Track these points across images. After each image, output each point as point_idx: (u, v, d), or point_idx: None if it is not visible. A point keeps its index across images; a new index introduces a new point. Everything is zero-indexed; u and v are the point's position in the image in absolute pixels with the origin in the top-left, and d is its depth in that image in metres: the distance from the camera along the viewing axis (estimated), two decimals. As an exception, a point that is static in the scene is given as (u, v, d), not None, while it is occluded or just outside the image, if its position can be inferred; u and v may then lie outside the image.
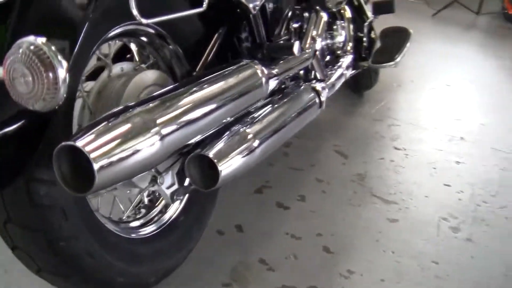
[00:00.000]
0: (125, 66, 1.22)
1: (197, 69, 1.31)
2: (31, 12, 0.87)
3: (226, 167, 1.10)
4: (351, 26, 2.11)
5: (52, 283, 1.11)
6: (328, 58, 1.95)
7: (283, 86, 1.55)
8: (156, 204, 1.35)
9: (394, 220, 1.76)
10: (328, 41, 1.97)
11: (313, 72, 1.73)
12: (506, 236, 1.73)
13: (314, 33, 1.68)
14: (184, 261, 1.38)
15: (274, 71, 1.35)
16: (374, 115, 2.59)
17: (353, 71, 2.10)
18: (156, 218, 1.32)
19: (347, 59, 2.01)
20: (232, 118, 1.20)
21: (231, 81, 1.16)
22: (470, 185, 2.02)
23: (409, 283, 1.47)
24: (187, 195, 1.34)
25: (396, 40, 2.25)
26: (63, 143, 0.82)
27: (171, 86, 1.10)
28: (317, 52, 1.68)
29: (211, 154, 1.09)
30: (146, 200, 1.36)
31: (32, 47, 0.73)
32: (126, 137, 0.88)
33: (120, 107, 0.95)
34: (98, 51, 1.12)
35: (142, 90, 1.17)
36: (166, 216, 1.34)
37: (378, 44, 2.27)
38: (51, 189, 0.97)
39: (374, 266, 1.53)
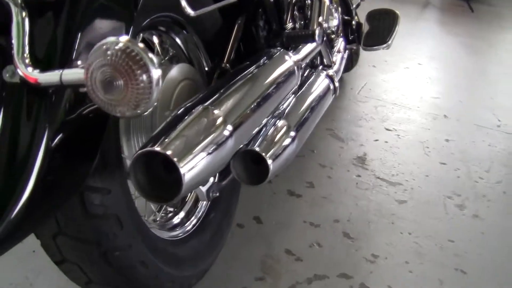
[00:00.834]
0: None
1: (224, 61, 1.26)
2: (81, 9, 0.80)
3: (274, 160, 1.07)
4: (339, 10, 2.11)
5: (103, 294, 1.06)
6: (325, 43, 1.94)
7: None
8: (187, 203, 1.30)
9: (402, 201, 1.78)
10: (325, 25, 1.95)
11: (318, 59, 1.71)
12: (509, 211, 1.79)
13: (320, 18, 1.66)
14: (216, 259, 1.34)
15: (300, 59, 1.33)
16: (359, 97, 2.61)
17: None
18: (189, 217, 1.28)
19: (341, 43, 2.00)
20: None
21: (275, 71, 1.13)
22: (464, 162, 2.08)
23: (432, 263, 1.49)
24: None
25: (384, 22, 2.26)
26: (144, 150, 0.77)
27: (222, 81, 1.05)
28: (325, 38, 1.66)
29: (258, 148, 1.06)
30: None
31: (123, 48, 0.66)
32: (202, 137, 0.83)
33: (184, 107, 0.89)
34: None
35: (177, 84, 1.12)
36: (198, 215, 1.30)
37: (365, 27, 2.27)
38: (105, 198, 0.92)
39: (395, 249, 1.54)
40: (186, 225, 1.26)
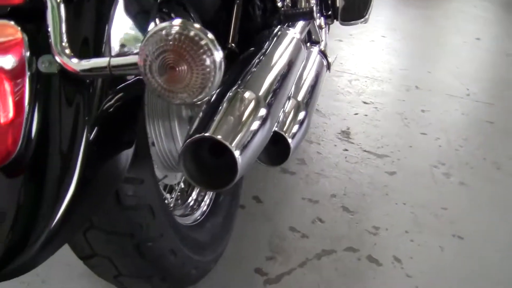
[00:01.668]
0: None
1: (230, 41, 1.23)
2: None
3: (293, 139, 1.07)
4: (315, -16, 2.10)
5: (130, 286, 1.03)
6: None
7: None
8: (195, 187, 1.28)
9: (392, 172, 1.82)
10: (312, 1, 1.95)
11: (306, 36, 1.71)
12: (492, 176, 1.86)
13: (308, -6, 1.65)
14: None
15: (302, 36, 1.32)
16: (332, 72, 2.62)
17: (325, 30, 2.10)
18: (199, 201, 1.26)
19: (322, 19, 2.00)
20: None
21: (288, 50, 1.11)
22: (442, 132, 2.14)
23: (430, 231, 1.54)
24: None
25: (357, -4, 2.27)
26: (196, 137, 0.74)
27: (244, 62, 1.03)
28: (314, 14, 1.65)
29: (276, 128, 1.05)
30: (182, 184, 1.28)
31: (185, 33, 0.63)
32: (246, 119, 0.81)
33: (219, 91, 0.87)
34: None
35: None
36: (207, 198, 1.28)
37: (340, 2, 2.27)
38: (138, 188, 0.89)
39: (393, 219, 1.58)
40: (200, 209, 1.24)
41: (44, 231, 0.71)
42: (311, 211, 1.59)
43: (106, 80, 0.77)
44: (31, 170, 0.73)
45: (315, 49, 1.56)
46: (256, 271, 1.33)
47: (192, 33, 0.64)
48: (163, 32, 0.64)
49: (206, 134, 0.75)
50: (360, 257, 1.42)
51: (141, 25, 0.85)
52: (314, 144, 1.95)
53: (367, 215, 1.60)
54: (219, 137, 0.75)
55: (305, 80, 1.31)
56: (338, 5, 2.20)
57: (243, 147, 0.77)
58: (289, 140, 1.05)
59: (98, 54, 0.75)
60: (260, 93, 0.89)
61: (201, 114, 0.82)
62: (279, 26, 1.25)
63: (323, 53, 1.57)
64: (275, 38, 1.16)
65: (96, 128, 0.75)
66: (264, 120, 0.85)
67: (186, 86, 0.65)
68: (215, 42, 0.65)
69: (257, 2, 1.37)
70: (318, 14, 2.05)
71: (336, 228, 1.53)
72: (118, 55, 0.71)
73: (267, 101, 0.90)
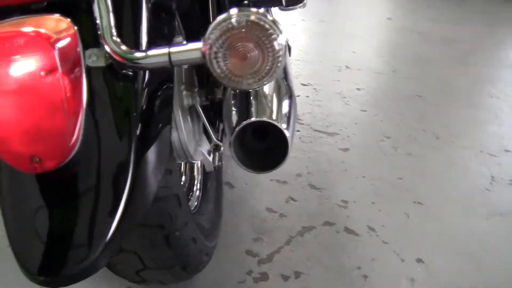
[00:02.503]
0: None
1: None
2: None
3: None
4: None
5: (150, 278, 1.02)
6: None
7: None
8: (186, 174, 1.28)
9: (346, 149, 1.92)
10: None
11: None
12: (434, 145, 2.02)
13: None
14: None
15: None
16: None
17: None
18: (192, 187, 1.27)
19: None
20: None
21: None
22: (380, 108, 2.28)
23: (392, 200, 1.66)
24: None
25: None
26: (247, 122, 0.76)
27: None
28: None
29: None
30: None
31: (253, 19, 0.65)
32: (281, 102, 0.84)
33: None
34: None
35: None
36: (199, 186, 1.29)
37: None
38: (168, 179, 0.89)
39: (358, 192, 1.68)
40: (194, 195, 1.25)
41: (104, 235, 0.70)
42: (282, 191, 1.64)
43: (143, 74, 0.76)
44: (87, 170, 0.71)
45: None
46: (248, 253, 1.36)
47: (261, 20, 0.65)
48: (232, 20, 0.65)
49: (258, 119, 0.77)
50: (338, 230, 1.49)
51: (160, 17, 0.85)
52: (267, 127, 2.00)
53: (333, 190, 1.68)
54: (270, 120, 0.77)
55: None
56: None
57: (288, 128, 0.80)
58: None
59: (138, 46, 0.74)
60: (282, 77, 0.92)
61: (241, 101, 0.83)
62: None
63: (284, 37, 1.61)
64: None
65: (140, 124, 0.75)
66: (291, 100, 0.88)
67: (257, 71, 0.67)
68: (280, 26, 0.67)
69: None
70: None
71: (309, 205, 1.59)
72: (177, 44, 0.70)
73: (288, 82, 0.93)
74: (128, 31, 0.73)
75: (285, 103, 0.86)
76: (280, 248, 1.40)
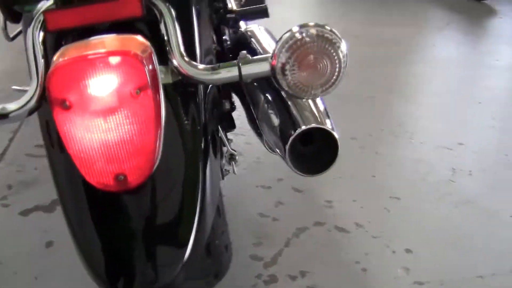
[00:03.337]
0: None
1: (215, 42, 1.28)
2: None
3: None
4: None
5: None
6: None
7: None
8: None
9: (317, 151, 2.00)
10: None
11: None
12: (395, 143, 2.15)
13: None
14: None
15: None
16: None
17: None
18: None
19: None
20: None
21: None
22: (338, 111, 2.37)
23: (371, 196, 1.76)
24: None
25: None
26: (302, 129, 0.81)
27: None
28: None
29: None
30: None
31: (320, 33, 0.70)
32: (318, 107, 0.89)
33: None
34: None
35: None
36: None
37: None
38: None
39: (338, 191, 1.77)
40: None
41: (182, 254, 0.73)
42: (269, 196, 1.69)
43: (203, 89, 0.80)
44: (162, 186, 0.73)
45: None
46: (252, 258, 1.40)
47: (326, 33, 0.71)
48: (297, 36, 0.70)
49: (313, 126, 0.82)
50: (329, 228, 1.57)
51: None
52: (239, 136, 2.04)
53: (316, 191, 1.75)
54: (322, 126, 0.82)
55: None
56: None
57: (334, 129, 0.86)
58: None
59: (201, 61, 0.78)
60: None
61: (284, 110, 0.88)
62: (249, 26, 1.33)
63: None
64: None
65: (203, 138, 0.78)
66: (323, 100, 0.94)
67: (325, 81, 0.72)
68: (339, 35, 0.73)
69: (216, 5, 1.42)
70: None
71: (297, 207, 1.66)
72: (245, 61, 0.74)
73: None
74: (189, 48, 0.76)
75: (320, 104, 0.91)
76: (281, 250, 1.45)
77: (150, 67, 0.66)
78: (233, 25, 1.42)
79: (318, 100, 0.94)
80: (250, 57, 0.75)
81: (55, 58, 0.66)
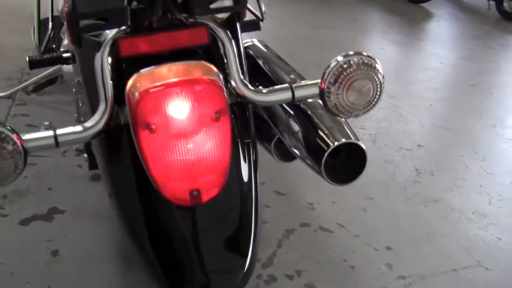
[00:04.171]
0: None
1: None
2: None
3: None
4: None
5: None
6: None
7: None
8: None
9: (292, 155, 2.10)
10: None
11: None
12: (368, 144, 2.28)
13: None
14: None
15: None
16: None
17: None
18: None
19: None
20: None
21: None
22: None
23: (347, 198, 1.87)
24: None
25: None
26: (334, 146, 0.89)
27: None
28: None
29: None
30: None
31: (366, 61, 0.79)
32: (339, 120, 0.98)
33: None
34: None
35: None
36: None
37: None
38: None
39: (318, 194, 1.87)
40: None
41: (244, 262, 0.80)
42: (255, 199, 1.77)
43: (251, 107, 0.87)
44: (228, 200, 0.79)
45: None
46: (250, 260, 1.47)
47: (370, 60, 0.80)
48: (344, 64, 0.79)
49: (345, 141, 0.90)
50: (315, 229, 1.67)
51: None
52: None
53: (297, 194, 1.85)
54: (352, 140, 0.91)
55: None
56: None
57: (359, 140, 0.95)
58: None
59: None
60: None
61: (314, 126, 0.96)
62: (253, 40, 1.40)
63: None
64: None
65: (254, 150, 0.86)
66: None
67: (369, 101, 0.82)
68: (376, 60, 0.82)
69: None
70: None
71: (282, 209, 1.74)
72: (297, 85, 0.82)
73: None
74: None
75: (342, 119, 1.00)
76: (275, 252, 1.53)
77: (225, 91, 0.72)
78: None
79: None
80: (300, 81, 0.83)
81: (130, 83, 0.71)
